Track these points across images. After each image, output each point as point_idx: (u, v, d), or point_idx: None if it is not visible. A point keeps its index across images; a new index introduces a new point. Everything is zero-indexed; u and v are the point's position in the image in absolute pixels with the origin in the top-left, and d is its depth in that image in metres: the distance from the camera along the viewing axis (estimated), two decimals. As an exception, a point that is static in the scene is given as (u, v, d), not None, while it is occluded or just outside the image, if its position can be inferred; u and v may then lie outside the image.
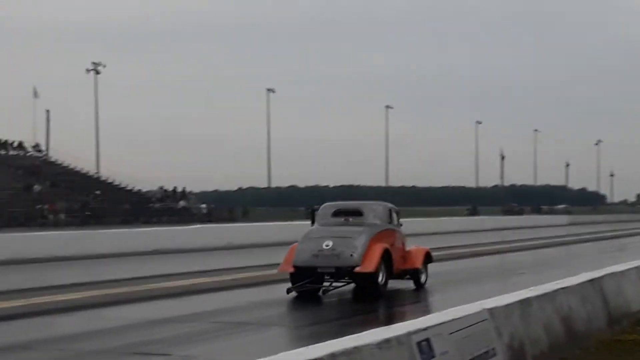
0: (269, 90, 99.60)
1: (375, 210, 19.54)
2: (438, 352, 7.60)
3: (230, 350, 12.48)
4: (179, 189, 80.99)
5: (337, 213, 19.48)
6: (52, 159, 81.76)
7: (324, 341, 6.67)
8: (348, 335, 7.00)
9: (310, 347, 6.41)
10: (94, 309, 17.04)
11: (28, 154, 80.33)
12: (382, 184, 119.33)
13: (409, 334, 7.29)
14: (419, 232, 39.66)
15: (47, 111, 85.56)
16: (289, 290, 17.94)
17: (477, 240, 44.38)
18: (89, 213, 65.54)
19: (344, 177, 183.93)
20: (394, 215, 19.80)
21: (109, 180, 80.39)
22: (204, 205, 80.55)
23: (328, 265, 17.80)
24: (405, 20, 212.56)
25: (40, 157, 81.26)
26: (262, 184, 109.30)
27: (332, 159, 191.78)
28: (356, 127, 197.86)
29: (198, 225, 49.25)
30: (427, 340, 7.52)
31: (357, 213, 19.39)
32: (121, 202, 72.68)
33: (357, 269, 17.67)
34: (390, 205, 20.25)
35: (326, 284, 18.20)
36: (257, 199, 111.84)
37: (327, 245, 17.89)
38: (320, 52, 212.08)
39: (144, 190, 78.86)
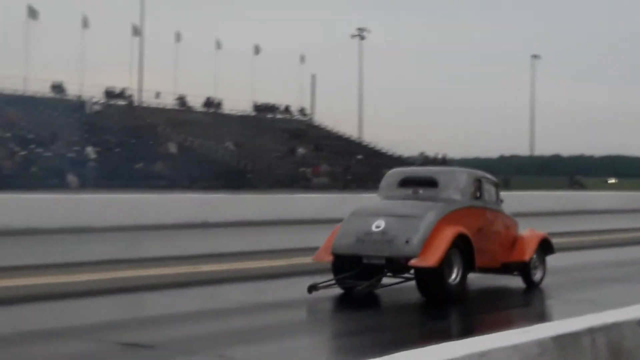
0: (533, 56, 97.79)
1: (456, 181, 13.61)
2: None
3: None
4: (439, 156, 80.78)
5: (404, 182, 13.87)
6: (316, 123, 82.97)
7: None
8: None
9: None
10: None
11: (294, 118, 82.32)
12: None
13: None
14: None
15: (313, 76, 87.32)
16: (310, 289, 12.60)
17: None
18: (350, 177, 66.51)
19: (611, 147, 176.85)
20: (488, 188, 14.01)
21: (371, 145, 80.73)
22: (463, 173, 79.54)
23: (376, 255, 12.51)
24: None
25: (305, 121, 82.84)
26: (524, 151, 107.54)
27: (600, 127, 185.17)
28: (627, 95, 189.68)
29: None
30: None
31: (431, 183, 13.61)
32: (382, 167, 73.06)
33: (413, 262, 12.15)
34: (480, 173, 14.28)
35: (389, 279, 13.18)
36: (519, 168, 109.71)
37: (377, 227, 12.51)
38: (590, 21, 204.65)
39: (405, 155, 79.01)
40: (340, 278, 12.89)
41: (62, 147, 55.70)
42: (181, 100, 75.35)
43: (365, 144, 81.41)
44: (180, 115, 71.65)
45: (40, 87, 66.57)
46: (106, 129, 60.77)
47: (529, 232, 14.84)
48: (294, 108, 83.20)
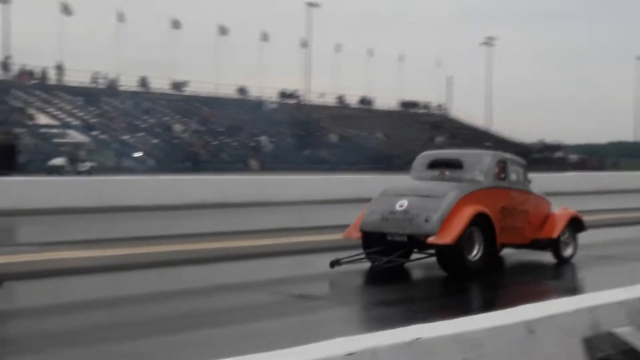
0: (638, 58, 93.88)
1: (480, 162, 12.04)
2: None
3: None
4: (555, 142, 78.82)
5: (433, 164, 12.40)
6: (452, 117, 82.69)
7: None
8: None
9: None
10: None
11: (433, 112, 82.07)
12: None
13: None
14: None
15: (449, 77, 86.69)
16: (333, 264, 11.12)
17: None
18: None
19: None
20: (515, 170, 12.41)
21: (497, 134, 79.80)
22: (574, 156, 77.70)
23: (398, 232, 11.21)
24: None
25: (442, 114, 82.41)
26: (629, 138, 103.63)
27: None
28: None
29: (571, 173, 48.03)
30: None
31: (456, 165, 12.14)
32: (506, 152, 72.14)
33: (431, 240, 10.80)
34: (507, 155, 12.78)
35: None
36: (625, 152, 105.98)
37: (400, 206, 11.24)
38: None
39: (527, 142, 77.59)
40: (368, 253, 11.58)
41: (245, 137, 56.86)
42: (340, 99, 75.90)
43: (493, 133, 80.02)
44: (340, 111, 72.16)
45: (228, 90, 68.27)
46: (280, 123, 61.70)
47: (561, 210, 13.18)
48: (433, 104, 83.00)
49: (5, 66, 57.46)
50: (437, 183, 11.82)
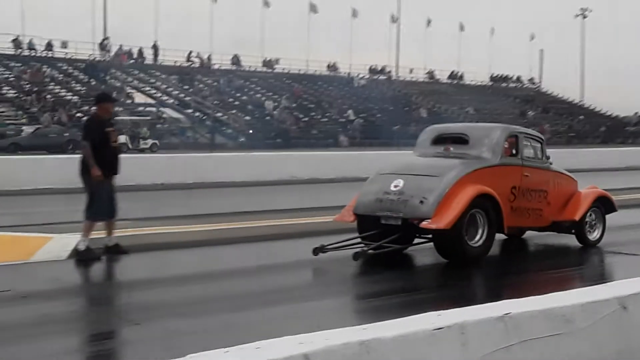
0: None
1: (488, 137, 10.37)
2: None
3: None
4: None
5: (438, 140, 10.84)
6: (544, 90, 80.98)
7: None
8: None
9: None
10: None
11: (524, 86, 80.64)
12: None
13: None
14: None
15: (541, 51, 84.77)
16: (316, 251, 9.65)
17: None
18: (572, 134, 64.40)
19: None
20: (529, 145, 10.76)
21: (591, 107, 77.84)
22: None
23: (392, 215, 9.66)
24: None
25: (534, 88, 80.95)
26: None
27: None
28: None
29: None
30: None
31: (461, 140, 10.56)
32: (600, 126, 70.44)
33: (424, 224, 9.32)
34: (519, 129, 11.11)
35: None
36: None
37: (395, 186, 9.72)
38: None
39: (621, 115, 75.51)
40: (361, 238, 10.08)
41: (335, 114, 56.95)
42: (430, 74, 75.35)
43: (587, 106, 78.16)
44: (429, 87, 71.69)
45: (318, 66, 68.36)
46: (370, 99, 61.70)
47: (588, 189, 11.59)
48: (525, 78, 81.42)
49: (104, 47, 58.93)
50: (438, 160, 10.30)
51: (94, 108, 11.12)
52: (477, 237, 9.70)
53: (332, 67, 69.19)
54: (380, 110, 59.17)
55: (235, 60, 64.19)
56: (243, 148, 41.26)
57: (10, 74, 50.47)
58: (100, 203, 9.87)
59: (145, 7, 78.42)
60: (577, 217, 11.08)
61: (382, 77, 71.34)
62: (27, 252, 9.85)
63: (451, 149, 10.50)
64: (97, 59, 57.61)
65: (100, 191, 9.87)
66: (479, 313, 4.05)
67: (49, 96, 48.00)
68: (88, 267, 9.45)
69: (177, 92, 55.56)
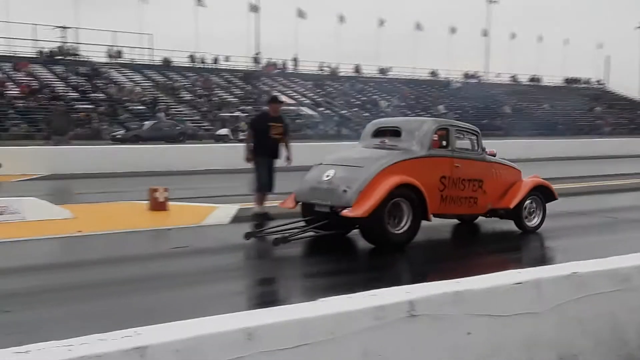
0: None
1: (417, 130, 8.88)
2: None
3: None
4: None
5: (377, 132, 9.36)
6: (609, 90, 77.38)
7: None
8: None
9: None
10: None
11: (592, 86, 77.15)
12: None
13: None
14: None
15: (607, 57, 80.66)
16: (248, 235, 8.46)
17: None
18: (633, 126, 61.31)
19: None
20: (461, 138, 9.19)
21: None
22: None
23: (322, 203, 8.53)
24: None
25: (601, 88, 77.19)
26: None
27: None
28: None
29: None
30: None
31: (395, 133, 9.10)
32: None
33: (344, 212, 8.10)
34: (451, 122, 9.49)
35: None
36: None
37: (327, 176, 8.55)
38: None
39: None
40: (272, 228, 8.78)
41: (436, 111, 56.29)
42: (513, 77, 72.97)
43: (645, 103, 74.07)
44: (513, 88, 69.49)
45: (421, 73, 67.52)
46: (464, 99, 60.56)
47: (528, 179, 9.92)
48: (593, 80, 77.78)
49: (256, 60, 60.09)
50: (371, 151, 8.87)
51: (265, 107, 11.58)
52: (402, 224, 8.26)
53: (433, 73, 68.26)
54: (472, 107, 58.20)
55: (357, 68, 64.33)
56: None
57: (187, 81, 52.17)
58: (261, 179, 10.19)
59: (288, 28, 79.38)
60: (511, 205, 9.46)
61: (473, 81, 69.78)
62: (200, 218, 10.12)
63: (387, 141, 9.05)
64: (251, 69, 58.75)
65: (260, 170, 10.18)
66: (552, 272, 3.94)
67: (215, 99, 49.37)
68: (241, 230, 9.66)
69: (311, 94, 56.06)
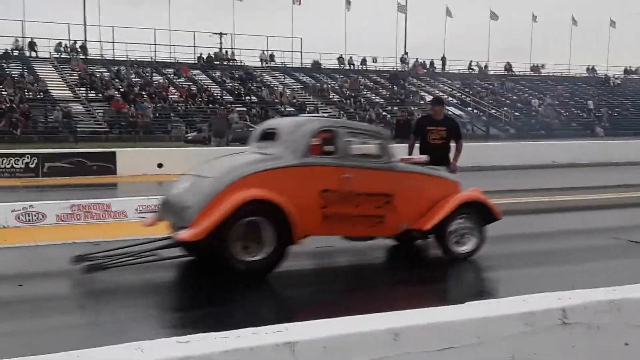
0: None
1: (292, 132, 7.02)
2: None
3: None
4: None
5: (262, 136, 7.48)
6: None
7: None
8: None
9: None
10: None
11: None
12: None
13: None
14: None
15: None
16: (78, 259, 6.63)
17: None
18: None
19: None
20: (355, 142, 7.18)
21: None
22: None
23: (172, 222, 6.86)
24: None
25: None
26: None
27: None
28: None
29: None
30: None
31: (273, 137, 7.20)
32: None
33: (177, 234, 6.47)
34: (341, 123, 7.82)
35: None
36: None
37: (177, 190, 6.96)
38: None
39: None
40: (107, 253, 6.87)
41: (594, 108, 53.51)
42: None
43: None
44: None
45: (578, 70, 64.44)
46: (623, 95, 57.04)
47: (462, 194, 7.75)
48: None
49: (403, 60, 60.04)
50: (233, 159, 7.14)
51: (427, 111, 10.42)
52: (262, 248, 6.54)
53: (590, 69, 64.85)
54: (632, 105, 54.78)
55: (508, 66, 62.63)
56: (512, 138, 40.01)
57: (334, 83, 53.12)
58: None
59: (435, 27, 78.52)
60: (425, 227, 7.42)
61: (635, 77, 65.47)
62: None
63: (265, 145, 7.23)
64: (398, 70, 58.76)
65: None
66: None
67: (362, 100, 49.88)
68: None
69: (459, 94, 55.15)
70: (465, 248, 7.54)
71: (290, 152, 6.84)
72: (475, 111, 51.05)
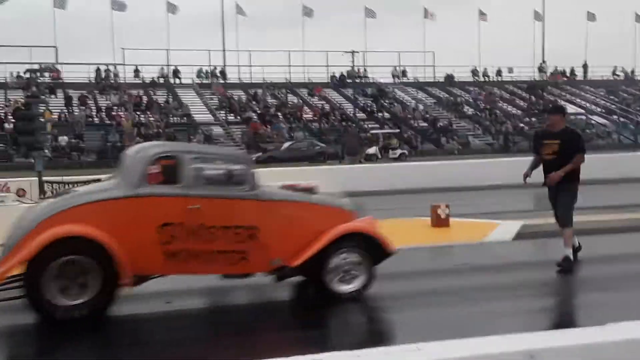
0: None
1: (130, 161, 6.24)
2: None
3: None
4: None
5: (120, 161, 6.64)
6: None
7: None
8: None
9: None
10: None
11: None
12: None
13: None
14: None
15: None
16: None
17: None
18: None
19: None
20: (214, 169, 6.31)
21: None
22: None
23: None
24: None
25: None
26: None
27: None
28: None
29: None
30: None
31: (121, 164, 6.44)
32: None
33: None
34: (189, 148, 7.24)
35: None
36: None
37: (22, 219, 6.32)
38: None
39: None
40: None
41: None
42: None
43: None
44: None
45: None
46: None
47: (346, 225, 6.64)
48: None
49: (541, 69, 57.98)
50: (73, 190, 6.77)
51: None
52: (86, 291, 5.82)
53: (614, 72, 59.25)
54: None
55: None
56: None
57: (469, 96, 52.23)
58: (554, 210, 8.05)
59: (575, 33, 75.22)
60: (293, 263, 6.43)
61: None
62: (482, 234, 10.12)
63: (116, 174, 6.61)
64: (536, 79, 56.81)
65: (550, 199, 8.08)
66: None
67: (498, 112, 48.66)
68: (525, 248, 9.44)
69: (603, 102, 52.41)
70: (351, 286, 6.53)
71: (125, 182, 6.16)
72: (622, 119, 48.30)
